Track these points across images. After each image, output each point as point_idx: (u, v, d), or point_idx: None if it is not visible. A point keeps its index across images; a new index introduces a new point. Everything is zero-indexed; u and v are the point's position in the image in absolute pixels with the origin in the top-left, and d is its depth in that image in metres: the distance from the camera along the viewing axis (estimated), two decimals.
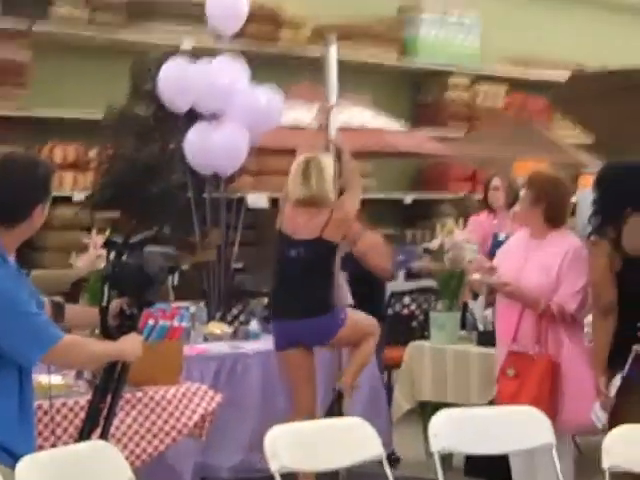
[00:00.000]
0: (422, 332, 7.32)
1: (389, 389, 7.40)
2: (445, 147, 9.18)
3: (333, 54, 6.18)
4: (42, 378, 4.25)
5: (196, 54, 7.36)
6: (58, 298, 3.99)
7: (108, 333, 3.87)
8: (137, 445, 4.82)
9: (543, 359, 5.10)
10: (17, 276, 3.61)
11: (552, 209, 5.24)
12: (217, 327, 6.44)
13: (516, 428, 4.35)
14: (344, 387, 5.87)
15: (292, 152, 8.78)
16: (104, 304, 3.87)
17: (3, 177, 3.62)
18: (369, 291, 6.95)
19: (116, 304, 3.90)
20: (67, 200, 7.94)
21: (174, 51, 7.61)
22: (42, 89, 8.34)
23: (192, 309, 6.27)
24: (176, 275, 4.06)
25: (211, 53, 7.16)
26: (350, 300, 6.49)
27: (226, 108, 6.87)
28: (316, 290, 5.84)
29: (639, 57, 8.40)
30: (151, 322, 5.03)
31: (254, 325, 6.57)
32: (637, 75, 7.26)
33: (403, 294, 7.87)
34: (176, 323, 5.25)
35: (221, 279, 6.99)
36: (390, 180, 10.32)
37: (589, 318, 6.41)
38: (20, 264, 3.74)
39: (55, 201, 3.92)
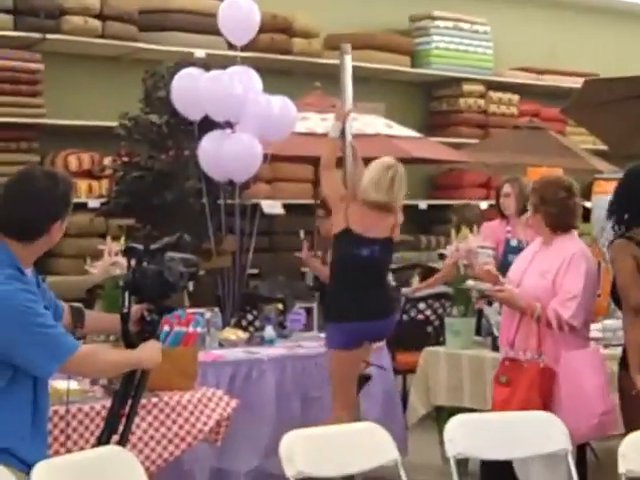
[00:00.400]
0: (437, 338, 7.32)
1: (404, 394, 7.40)
2: (459, 154, 9.19)
3: (348, 63, 6.23)
4: (57, 384, 4.27)
5: (209, 64, 7.39)
6: (78, 304, 4.00)
7: (129, 340, 3.87)
8: (152, 450, 4.81)
9: (533, 366, 5.06)
10: (34, 288, 3.60)
11: (552, 215, 5.22)
12: (232, 333, 6.45)
13: (532, 433, 4.35)
14: None
15: (306, 159, 8.88)
16: (125, 310, 3.86)
17: (22, 193, 3.60)
18: None
19: (136, 310, 3.89)
20: (82, 207, 7.97)
21: (187, 60, 7.65)
22: (56, 98, 8.39)
23: (207, 315, 6.28)
24: (191, 282, 4.07)
25: (224, 63, 7.18)
26: None
27: (239, 117, 6.89)
28: (388, 289, 6.07)
29: None
30: (166, 328, 5.05)
31: (269, 331, 6.57)
32: None
33: (418, 300, 7.85)
34: (191, 329, 5.26)
35: (236, 285, 7.00)
36: None
37: (604, 323, 6.46)
38: (37, 271, 3.75)
39: None
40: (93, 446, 4.30)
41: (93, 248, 6.53)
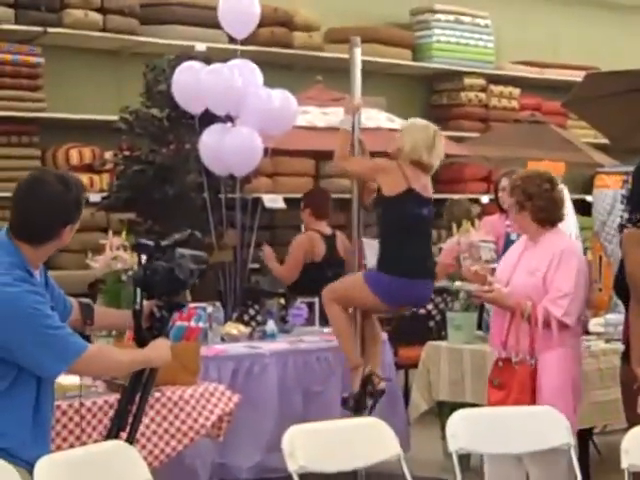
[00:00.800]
0: (439, 332, 7.32)
1: (406, 389, 7.40)
2: (460, 147, 9.17)
3: (358, 56, 6.23)
4: (60, 379, 4.26)
5: (210, 57, 7.38)
6: (87, 300, 3.99)
7: (141, 337, 3.86)
8: (155, 445, 4.82)
9: (523, 368, 4.99)
10: (42, 290, 3.60)
11: (540, 209, 5.16)
12: (234, 328, 6.44)
13: (534, 428, 4.36)
14: None
15: (307, 153, 8.87)
16: (137, 307, 3.85)
17: (34, 197, 3.59)
18: None
19: (146, 306, 3.88)
20: None
21: (188, 53, 7.64)
22: (57, 92, 8.38)
23: (209, 310, 6.27)
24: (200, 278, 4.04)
25: (225, 56, 7.17)
26: None
27: (240, 111, 6.89)
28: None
29: None
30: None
31: (271, 325, 6.57)
32: None
33: None
34: (193, 324, 5.26)
35: (237, 280, 7.00)
36: None
37: (606, 318, 6.46)
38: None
39: None
40: (95, 442, 4.31)
41: (94, 242, 6.53)
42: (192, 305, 5.78)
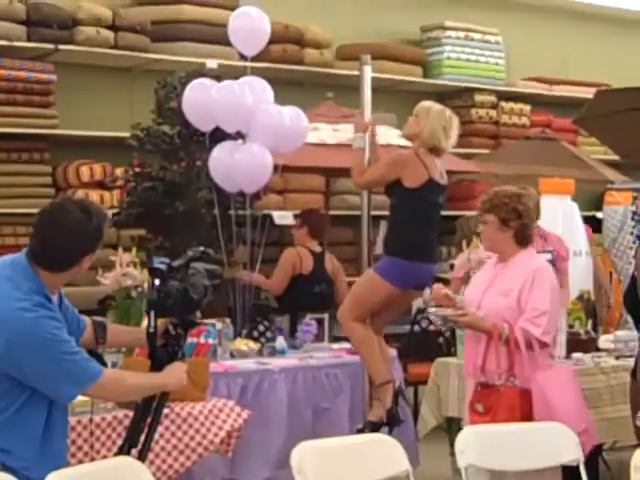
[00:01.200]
0: (448, 348, 7.32)
1: (416, 405, 7.39)
2: (470, 164, 9.17)
3: (368, 73, 6.25)
4: None
5: (221, 74, 7.40)
6: (101, 319, 4.00)
7: (157, 357, 3.85)
8: (164, 461, 4.81)
9: (510, 390, 4.85)
10: (58, 315, 3.62)
11: (525, 227, 5.03)
12: (243, 344, 6.45)
13: (543, 444, 4.35)
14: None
15: (317, 170, 8.87)
16: (151, 330, 3.85)
17: (55, 226, 3.60)
18: None
19: (161, 324, 3.89)
20: None
21: (199, 70, 7.66)
22: (69, 109, 8.42)
23: (218, 326, 6.28)
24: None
25: (236, 73, 7.19)
26: None
27: (250, 127, 6.90)
28: None
29: None
30: None
31: (280, 341, 6.58)
32: None
33: None
34: (202, 340, 5.27)
35: (247, 296, 7.00)
36: None
37: (616, 334, 6.44)
38: None
39: None
40: (104, 457, 4.31)
41: (104, 259, 6.52)
42: (201, 321, 5.79)
